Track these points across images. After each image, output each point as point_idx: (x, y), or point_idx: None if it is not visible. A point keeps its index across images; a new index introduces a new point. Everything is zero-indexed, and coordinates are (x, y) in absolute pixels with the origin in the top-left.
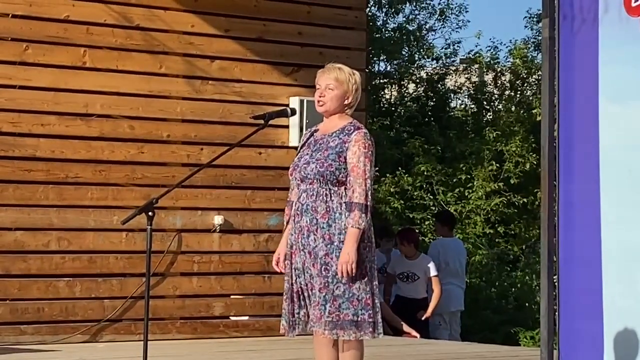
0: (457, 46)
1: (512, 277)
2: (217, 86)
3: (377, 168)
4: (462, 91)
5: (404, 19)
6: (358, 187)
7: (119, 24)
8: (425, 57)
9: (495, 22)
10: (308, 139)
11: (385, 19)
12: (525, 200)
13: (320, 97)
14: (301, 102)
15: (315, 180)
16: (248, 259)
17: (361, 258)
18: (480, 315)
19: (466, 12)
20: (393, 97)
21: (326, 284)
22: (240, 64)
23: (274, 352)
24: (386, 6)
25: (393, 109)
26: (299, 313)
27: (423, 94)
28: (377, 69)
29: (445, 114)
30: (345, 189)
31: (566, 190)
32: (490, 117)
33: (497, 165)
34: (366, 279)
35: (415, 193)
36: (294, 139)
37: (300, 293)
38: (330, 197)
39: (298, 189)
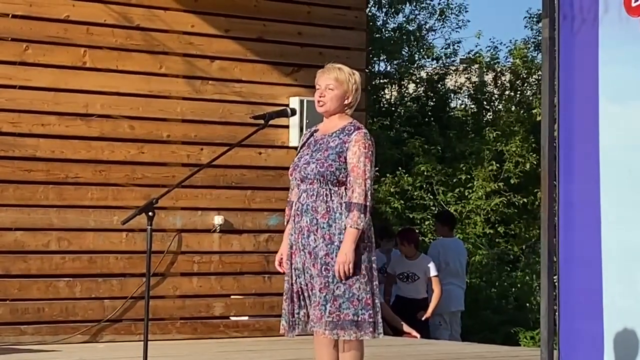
0: (457, 46)
1: (512, 277)
2: (217, 86)
3: (377, 168)
4: (462, 91)
5: (404, 19)
6: (358, 187)
7: (119, 24)
8: (425, 57)
9: (495, 22)
10: (308, 139)
11: (385, 19)
12: (525, 200)
13: (320, 97)
14: (301, 102)
15: (315, 181)
16: (248, 259)
17: (361, 258)
18: (481, 315)
19: (466, 12)
20: (393, 97)
21: (326, 284)
22: (240, 64)
23: (274, 352)
24: (386, 6)
25: (393, 109)
26: (299, 313)
27: (423, 94)
28: (377, 69)
29: (445, 114)
30: (345, 189)
31: (566, 190)
32: (490, 117)
33: (497, 165)
34: (366, 279)
35: (415, 193)
36: (294, 139)
37: (300, 293)
38: (331, 197)
39: (298, 189)
